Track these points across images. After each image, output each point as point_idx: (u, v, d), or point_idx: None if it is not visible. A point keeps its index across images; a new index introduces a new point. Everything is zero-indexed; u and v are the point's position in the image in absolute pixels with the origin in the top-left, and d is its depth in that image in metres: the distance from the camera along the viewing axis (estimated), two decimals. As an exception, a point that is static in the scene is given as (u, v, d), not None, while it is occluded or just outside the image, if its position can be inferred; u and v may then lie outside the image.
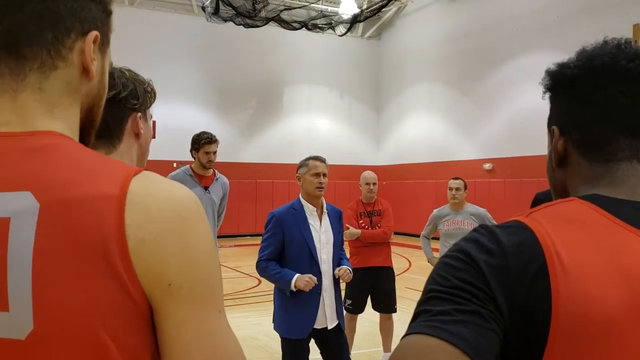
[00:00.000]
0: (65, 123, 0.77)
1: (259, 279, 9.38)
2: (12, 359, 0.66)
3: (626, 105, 0.79)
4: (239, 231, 16.15)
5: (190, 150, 4.61)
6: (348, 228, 4.94)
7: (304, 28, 15.21)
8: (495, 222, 5.75)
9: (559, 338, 0.65)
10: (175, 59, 16.47)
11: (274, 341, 5.43)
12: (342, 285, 3.72)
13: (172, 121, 15.25)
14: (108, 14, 0.83)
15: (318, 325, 3.32)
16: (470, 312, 0.66)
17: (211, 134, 4.58)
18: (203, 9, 14.95)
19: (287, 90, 18.40)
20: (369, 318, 5.63)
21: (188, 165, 4.67)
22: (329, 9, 16.90)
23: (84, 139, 0.82)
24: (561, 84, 0.85)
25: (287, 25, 14.77)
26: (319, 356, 3.53)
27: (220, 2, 13.22)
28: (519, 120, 13.94)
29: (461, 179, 5.19)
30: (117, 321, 0.67)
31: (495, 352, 0.65)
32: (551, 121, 0.88)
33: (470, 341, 0.63)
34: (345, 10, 15.67)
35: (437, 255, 5.27)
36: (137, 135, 1.25)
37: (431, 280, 0.72)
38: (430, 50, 17.18)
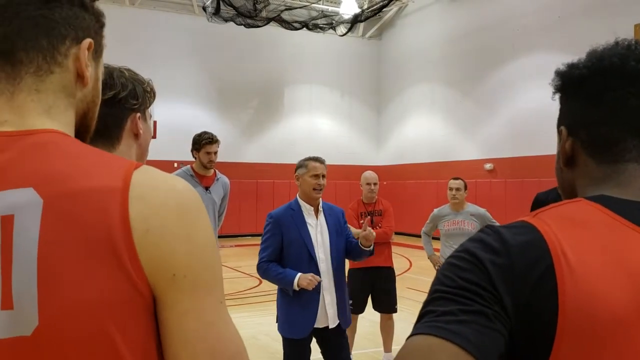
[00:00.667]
0: (62, 123, 0.78)
1: (259, 279, 9.38)
2: (20, 355, 0.66)
3: (635, 107, 0.79)
4: (239, 231, 16.16)
5: (191, 150, 4.62)
6: (349, 228, 4.94)
7: (304, 28, 15.21)
8: (495, 222, 5.76)
9: (565, 338, 0.65)
10: (176, 59, 16.48)
11: (275, 341, 5.43)
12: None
13: (173, 121, 15.26)
14: (101, 25, 0.86)
15: (319, 324, 3.32)
16: (474, 312, 0.65)
17: (212, 134, 4.59)
18: (204, 9, 14.95)
19: (287, 90, 18.40)
20: (369, 318, 5.63)
21: (189, 165, 4.67)
22: (330, 9, 16.90)
23: None
24: (570, 84, 0.85)
25: (288, 25, 14.77)
26: (320, 356, 3.53)
27: (221, 2, 13.22)
28: (520, 120, 13.93)
29: (461, 179, 5.19)
30: (123, 313, 0.69)
31: (499, 352, 0.65)
32: (560, 121, 0.88)
33: (474, 341, 0.63)
34: (346, 10, 15.67)
35: (437, 254, 5.27)
36: (136, 135, 1.25)
37: (437, 280, 0.72)
38: (431, 50, 17.18)
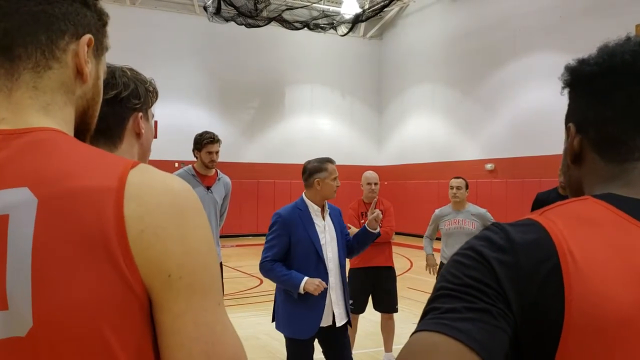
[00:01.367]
0: (60, 120, 0.78)
1: (260, 279, 9.38)
2: (15, 356, 0.66)
3: None
4: (240, 231, 16.16)
5: (193, 150, 4.62)
6: (350, 228, 4.94)
7: (305, 28, 15.20)
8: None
9: (571, 337, 0.65)
10: (177, 59, 16.48)
11: (276, 341, 5.43)
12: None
13: (174, 121, 15.26)
14: (103, 23, 0.85)
15: (324, 323, 3.32)
16: (479, 309, 0.65)
17: (214, 134, 4.59)
18: (205, 8, 14.95)
19: (288, 90, 18.40)
20: (370, 318, 5.63)
21: (190, 165, 4.67)
22: (331, 8, 16.90)
23: None
24: (580, 80, 0.83)
25: (289, 25, 14.77)
26: (321, 355, 3.53)
27: (222, 2, 13.22)
28: (521, 120, 13.92)
29: (462, 178, 5.20)
30: (118, 314, 0.68)
31: (504, 350, 0.65)
32: (568, 118, 0.87)
33: (478, 338, 0.62)
34: (347, 10, 15.67)
35: (437, 255, 5.27)
36: (138, 135, 1.24)
37: (442, 278, 0.71)
38: (432, 51, 17.17)
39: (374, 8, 15.14)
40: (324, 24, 15.40)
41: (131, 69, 1.28)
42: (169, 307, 0.70)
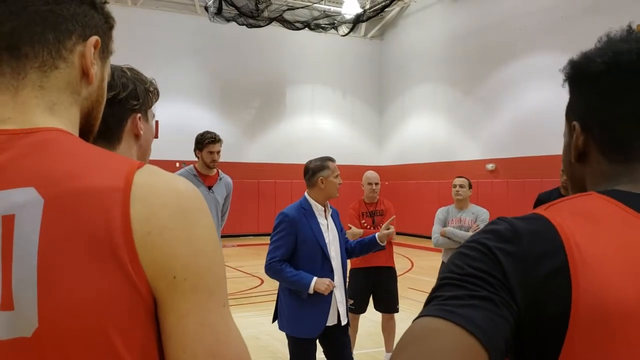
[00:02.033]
0: (65, 120, 0.78)
1: (261, 279, 9.38)
2: (21, 356, 0.66)
3: None
4: (241, 231, 16.16)
5: (194, 150, 4.62)
6: (350, 228, 4.94)
7: (306, 28, 15.20)
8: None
9: (577, 331, 0.65)
10: (178, 59, 16.49)
11: (277, 341, 5.44)
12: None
13: (175, 121, 15.27)
14: (110, 26, 0.85)
15: (329, 322, 3.34)
16: (482, 297, 0.65)
17: (215, 134, 4.59)
18: (206, 9, 14.96)
19: (289, 90, 18.41)
20: (371, 318, 5.63)
21: (192, 165, 4.67)
22: (332, 9, 16.90)
23: None
24: (585, 77, 0.82)
25: (290, 25, 14.77)
26: (323, 355, 3.54)
27: (223, 2, 13.23)
28: (522, 120, 13.92)
29: (465, 178, 5.18)
30: (123, 314, 0.68)
31: (504, 338, 0.65)
32: (572, 113, 0.86)
33: (479, 324, 0.62)
34: (348, 10, 15.67)
35: (438, 255, 5.26)
36: (136, 136, 1.24)
37: (445, 269, 0.71)
38: (433, 50, 17.17)
39: (374, 8, 15.13)
40: (325, 24, 15.40)
41: (131, 69, 1.27)
42: (174, 308, 0.70)
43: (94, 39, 0.80)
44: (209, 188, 4.56)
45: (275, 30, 16.33)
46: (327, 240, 3.38)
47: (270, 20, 14.33)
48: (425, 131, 17.39)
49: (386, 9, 15.43)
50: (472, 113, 15.75)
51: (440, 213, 5.19)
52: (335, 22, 15.63)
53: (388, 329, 5.10)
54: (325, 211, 3.46)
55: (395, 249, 5.54)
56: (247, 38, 16.80)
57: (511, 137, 14.36)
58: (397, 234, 5.70)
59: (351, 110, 19.27)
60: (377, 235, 3.57)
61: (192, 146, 4.63)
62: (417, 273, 10.51)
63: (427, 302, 0.68)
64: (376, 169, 7.55)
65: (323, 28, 15.49)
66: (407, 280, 9.23)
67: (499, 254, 0.68)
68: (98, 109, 0.87)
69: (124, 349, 0.68)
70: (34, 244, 0.66)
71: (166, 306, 0.70)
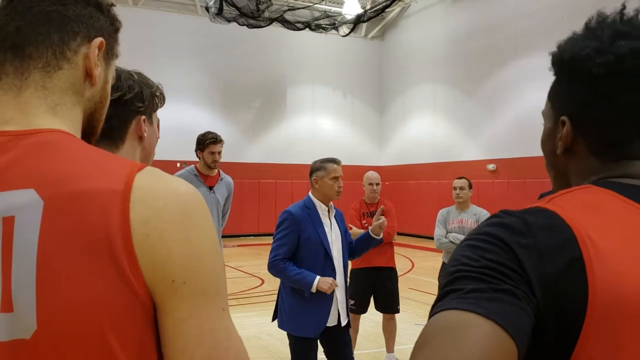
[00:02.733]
0: (67, 121, 0.77)
1: (262, 279, 9.38)
2: (19, 358, 0.66)
3: None
4: (241, 231, 16.16)
5: (195, 150, 4.63)
6: (351, 228, 4.95)
7: (307, 28, 15.20)
8: None
9: (594, 319, 0.64)
10: (179, 59, 16.49)
11: (278, 341, 5.44)
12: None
13: (176, 121, 15.27)
14: (115, 28, 0.85)
15: (330, 322, 3.34)
16: (504, 290, 0.63)
17: (216, 134, 4.59)
18: (207, 9, 14.96)
19: (290, 90, 18.41)
20: (371, 318, 5.64)
21: (193, 165, 4.68)
22: (333, 9, 16.90)
23: None
24: (581, 74, 0.79)
25: (291, 25, 14.76)
26: (324, 356, 3.54)
27: (224, 3, 13.23)
28: (523, 120, 13.91)
29: (465, 179, 5.16)
30: (121, 318, 0.68)
31: (528, 332, 0.63)
32: (560, 105, 0.84)
33: (508, 319, 0.60)
34: (348, 10, 15.67)
35: (438, 256, 5.26)
36: (140, 138, 1.24)
37: (456, 262, 0.68)
38: (434, 51, 17.16)
39: (375, 8, 15.13)
40: (326, 25, 15.39)
41: (139, 73, 1.28)
42: (173, 311, 0.70)
43: (98, 40, 0.80)
44: (210, 188, 4.56)
45: (276, 30, 16.33)
46: (329, 240, 3.39)
47: (271, 21, 14.33)
48: (426, 131, 17.38)
49: (387, 10, 15.43)
50: (473, 113, 15.75)
51: (441, 215, 5.18)
52: (336, 22, 15.62)
53: (389, 329, 5.10)
54: (329, 211, 3.47)
55: (396, 249, 5.54)
56: (248, 38, 16.81)
57: (512, 137, 14.35)
58: (398, 234, 5.71)
59: (352, 111, 19.27)
60: (370, 229, 3.58)
61: (193, 146, 4.64)
62: (418, 273, 10.50)
63: (443, 296, 0.65)
64: (377, 169, 7.56)
65: (324, 28, 15.48)
66: (408, 281, 9.23)
67: (514, 247, 0.66)
68: (101, 111, 0.86)
69: (121, 352, 0.67)
70: (33, 245, 0.66)
71: (165, 309, 0.70)
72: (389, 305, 5.07)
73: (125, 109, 1.21)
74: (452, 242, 4.91)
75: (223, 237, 5.18)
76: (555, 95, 0.85)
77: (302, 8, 15.89)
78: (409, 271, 10.80)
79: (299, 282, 3.25)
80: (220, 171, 4.75)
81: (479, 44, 15.48)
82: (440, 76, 16.90)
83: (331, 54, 18.68)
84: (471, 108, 15.83)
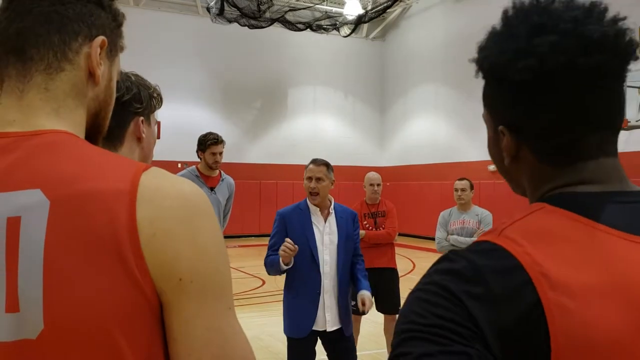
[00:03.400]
0: (71, 122, 0.77)
1: (263, 279, 9.39)
2: (26, 358, 0.66)
3: (595, 104, 0.69)
4: (242, 232, 16.16)
5: (197, 151, 4.63)
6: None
7: (308, 29, 15.20)
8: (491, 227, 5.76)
9: None
10: (180, 60, 16.51)
11: (279, 342, 5.44)
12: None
13: (177, 121, 15.28)
14: (118, 23, 0.84)
15: (317, 327, 3.30)
16: (455, 353, 0.58)
17: (218, 135, 4.59)
18: (208, 9, 14.97)
19: (291, 91, 18.42)
20: (373, 319, 5.63)
21: (194, 166, 4.68)
22: (334, 10, 16.91)
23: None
24: (507, 82, 0.72)
25: (292, 26, 14.77)
26: (325, 356, 3.53)
27: (225, 3, 13.24)
28: (523, 121, 13.91)
29: (467, 180, 5.14)
30: (128, 317, 0.68)
31: None
32: (495, 113, 0.76)
33: None
34: (349, 11, 15.67)
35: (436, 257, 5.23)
36: (138, 139, 1.25)
37: (404, 319, 0.63)
38: (435, 52, 17.16)
39: (376, 9, 15.13)
40: (327, 25, 15.40)
41: (136, 75, 1.29)
42: (180, 310, 0.70)
43: (99, 39, 0.79)
44: (211, 189, 4.56)
45: (277, 31, 16.33)
46: (319, 243, 3.35)
47: (272, 21, 14.33)
48: (427, 132, 17.38)
49: (388, 10, 15.43)
50: (474, 114, 15.73)
51: (442, 218, 5.16)
52: (337, 23, 15.63)
53: (390, 330, 5.10)
54: (324, 213, 3.42)
55: (397, 250, 5.54)
56: (249, 39, 16.81)
57: (513, 138, 14.34)
58: (399, 235, 5.70)
59: (353, 111, 19.27)
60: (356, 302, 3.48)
61: (194, 147, 4.64)
62: (419, 274, 10.46)
63: None
64: (378, 169, 7.55)
65: (325, 29, 15.49)
66: (409, 282, 9.21)
67: (464, 299, 0.61)
68: (106, 109, 0.87)
69: (129, 351, 0.68)
70: (39, 246, 0.66)
71: (172, 309, 0.70)
72: (391, 306, 5.07)
73: (124, 111, 1.21)
74: (452, 245, 4.90)
75: (224, 237, 5.17)
76: (489, 103, 0.79)
77: (303, 8, 15.89)
78: (410, 272, 10.80)
79: (274, 265, 3.29)
80: (222, 172, 4.75)
81: (480, 45, 15.46)
82: (441, 77, 16.89)
83: (332, 54, 18.69)
84: (472, 108, 15.82)
